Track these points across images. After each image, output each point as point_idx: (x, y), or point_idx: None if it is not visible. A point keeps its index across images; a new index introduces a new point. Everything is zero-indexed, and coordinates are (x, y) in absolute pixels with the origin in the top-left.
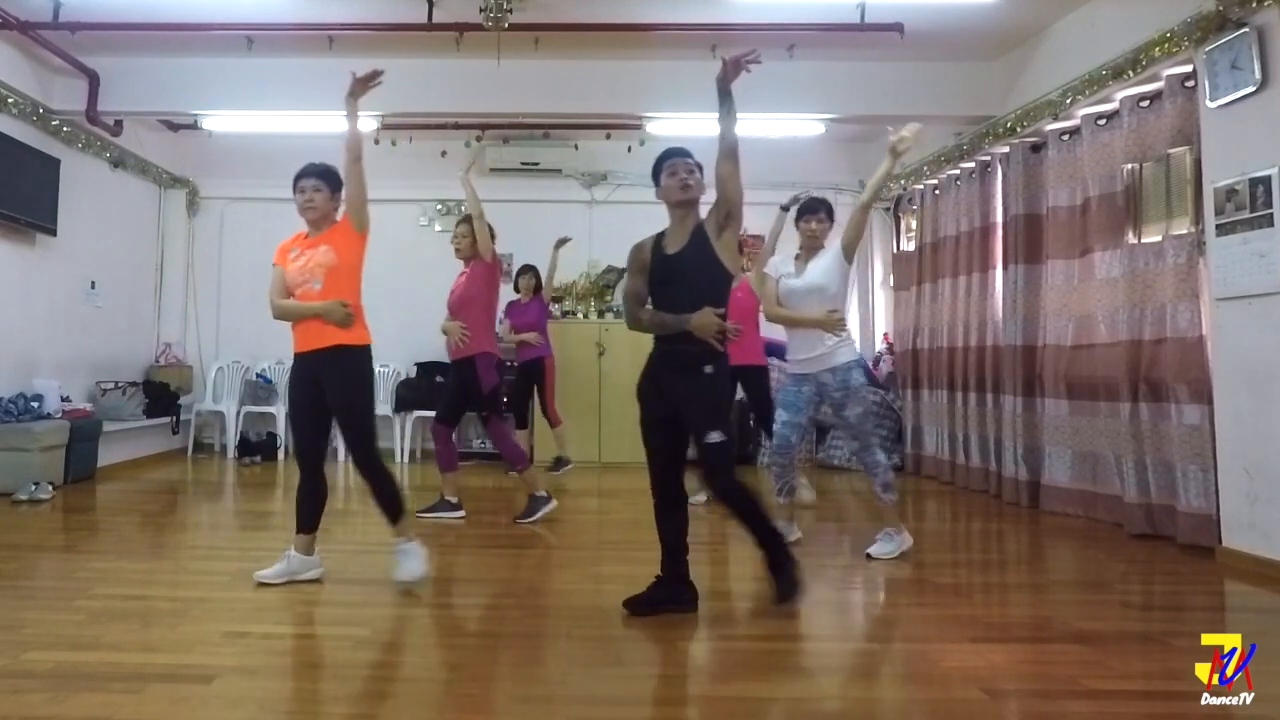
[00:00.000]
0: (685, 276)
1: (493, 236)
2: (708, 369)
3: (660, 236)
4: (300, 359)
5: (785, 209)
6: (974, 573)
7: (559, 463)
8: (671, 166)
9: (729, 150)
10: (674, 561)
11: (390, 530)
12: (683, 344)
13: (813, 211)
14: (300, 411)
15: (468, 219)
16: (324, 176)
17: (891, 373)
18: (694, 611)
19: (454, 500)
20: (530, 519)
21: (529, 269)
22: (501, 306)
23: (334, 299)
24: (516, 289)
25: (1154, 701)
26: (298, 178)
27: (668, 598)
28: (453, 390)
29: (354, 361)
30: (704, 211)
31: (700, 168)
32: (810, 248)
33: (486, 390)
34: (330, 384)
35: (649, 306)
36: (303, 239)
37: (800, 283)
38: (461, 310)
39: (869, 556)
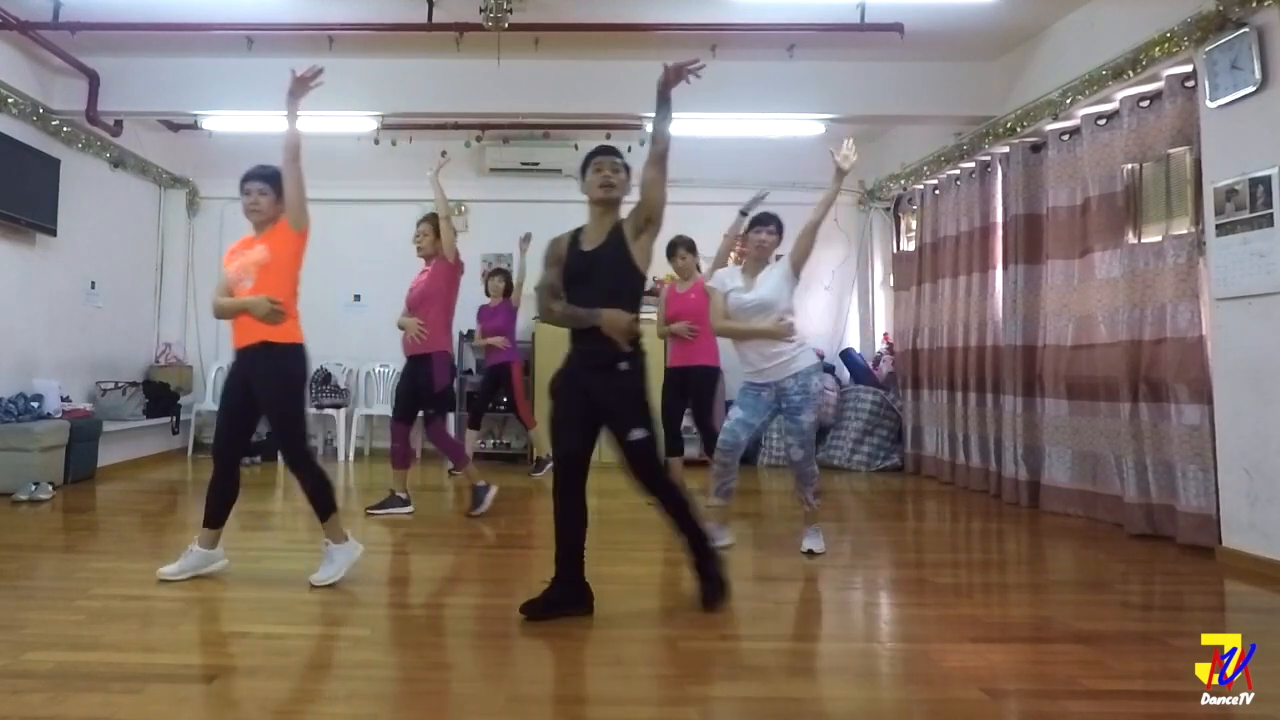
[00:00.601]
0: (599, 274)
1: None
2: (623, 365)
3: (578, 232)
4: (236, 356)
5: (745, 213)
6: (974, 573)
7: (539, 464)
8: (598, 164)
9: (658, 155)
10: (570, 564)
11: (321, 528)
12: (598, 343)
13: (764, 224)
14: (227, 407)
15: (430, 217)
16: (270, 180)
17: (891, 373)
18: (589, 614)
19: (404, 496)
20: (480, 509)
21: (500, 271)
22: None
23: (264, 296)
24: (487, 292)
25: (1154, 701)
26: (244, 179)
27: (565, 601)
28: (406, 387)
29: (281, 358)
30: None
31: (627, 168)
32: (758, 259)
33: (438, 390)
34: (258, 382)
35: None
36: (249, 240)
37: (752, 298)
38: (420, 307)
39: (811, 553)
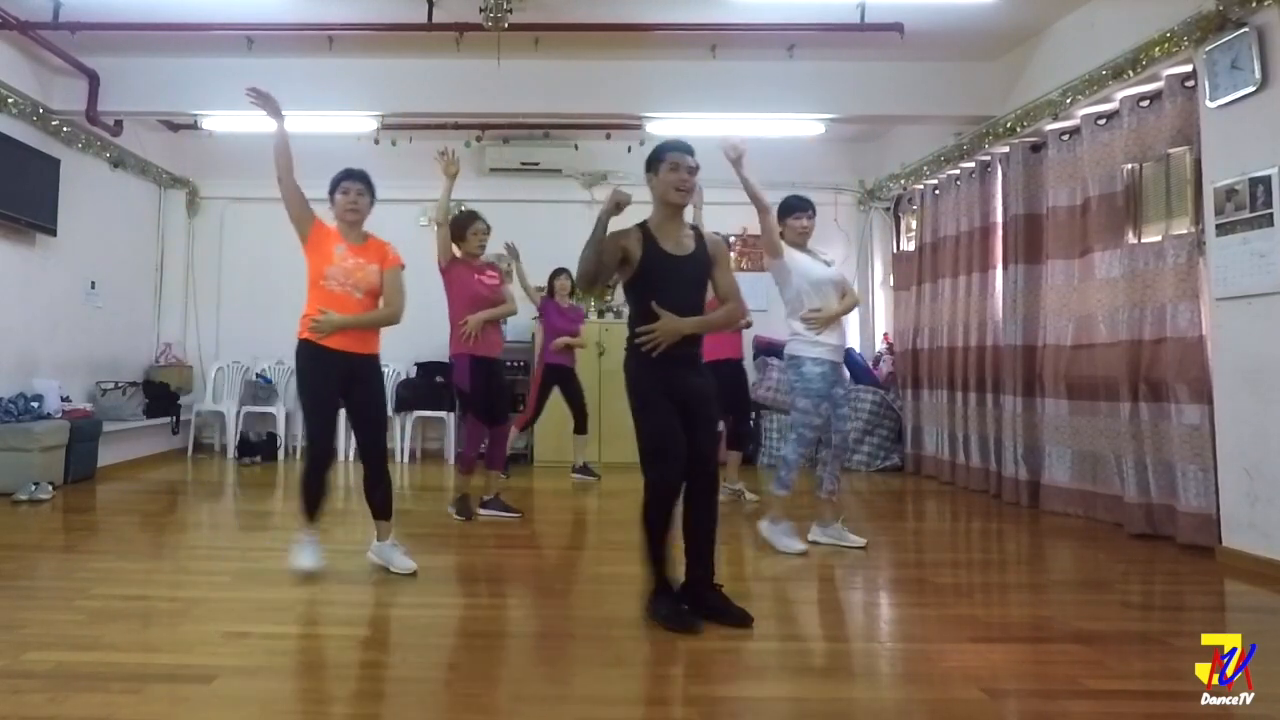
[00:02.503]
0: (688, 282)
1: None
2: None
3: (646, 228)
4: (333, 355)
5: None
6: (974, 573)
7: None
8: (674, 161)
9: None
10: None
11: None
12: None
13: (803, 209)
14: (333, 407)
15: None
16: (368, 182)
17: (891, 373)
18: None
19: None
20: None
21: (564, 270)
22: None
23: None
24: (552, 292)
25: (1154, 701)
26: (343, 178)
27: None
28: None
29: (380, 369)
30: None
31: (698, 169)
32: (801, 246)
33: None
34: (365, 386)
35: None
36: (341, 238)
37: (834, 274)
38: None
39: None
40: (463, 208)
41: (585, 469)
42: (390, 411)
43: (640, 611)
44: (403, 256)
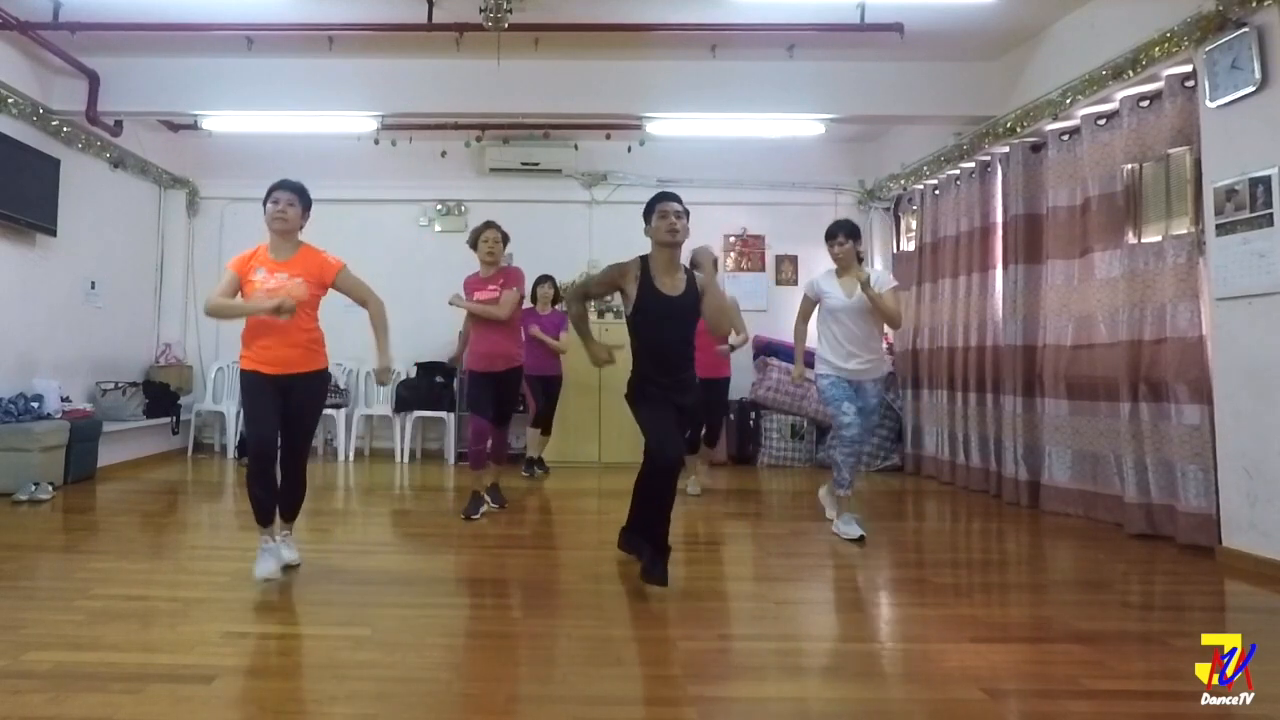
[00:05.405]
0: (680, 320)
1: None
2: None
3: (646, 267)
4: (272, 378)
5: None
6: (974, 573)
7: (540, 465)
8: (662, 210)
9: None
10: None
11: (287, 527)
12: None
13: (833, 237)
14: (273, 419)
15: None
16: (299, 192)
17: (891, 373)
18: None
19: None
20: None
21: (548, 278)
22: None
23: (298, 331)
24: (534, 299)
25: (1154, 701)
26: (273, 188)
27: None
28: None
29: (323, 382)
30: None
31: (687, 213)
32: (844, 265)
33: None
34: (303, 399)
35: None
36: (266, 258)
37: (854, 301)
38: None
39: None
40: (463, 208)
41: (536, 463)
42: (390, 411)
43: (639, 612)
44: (399, 251)
